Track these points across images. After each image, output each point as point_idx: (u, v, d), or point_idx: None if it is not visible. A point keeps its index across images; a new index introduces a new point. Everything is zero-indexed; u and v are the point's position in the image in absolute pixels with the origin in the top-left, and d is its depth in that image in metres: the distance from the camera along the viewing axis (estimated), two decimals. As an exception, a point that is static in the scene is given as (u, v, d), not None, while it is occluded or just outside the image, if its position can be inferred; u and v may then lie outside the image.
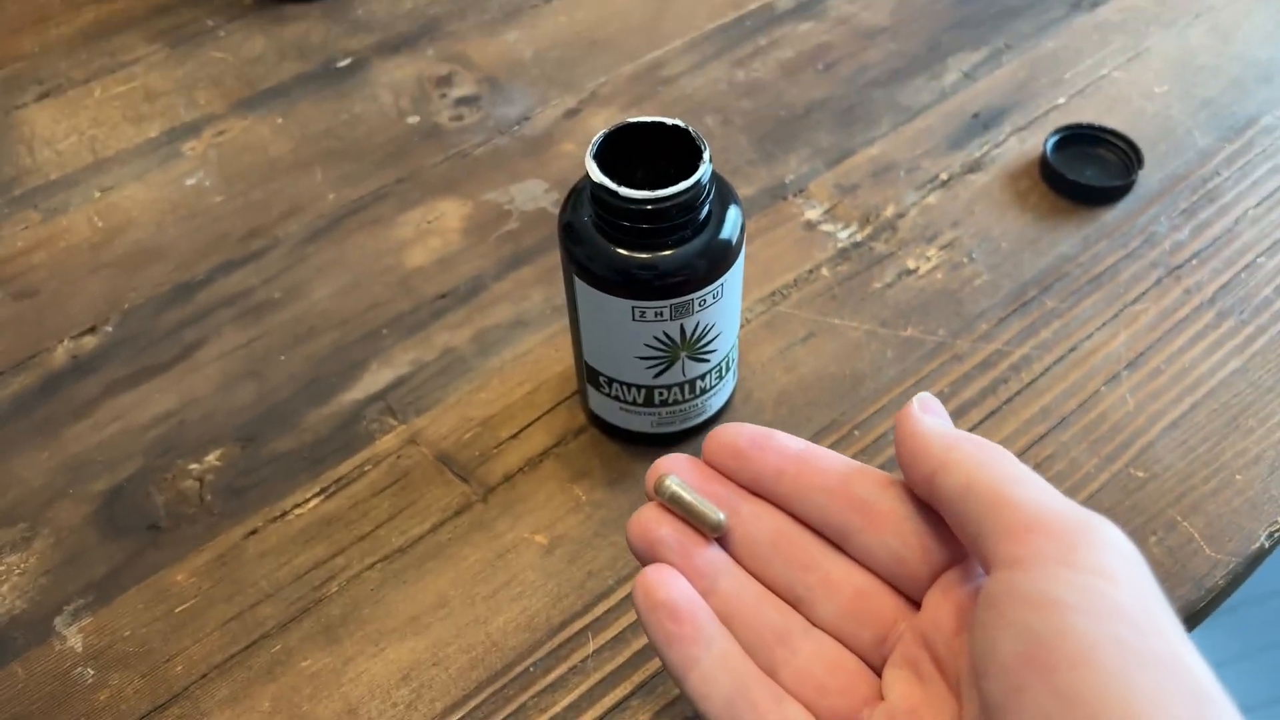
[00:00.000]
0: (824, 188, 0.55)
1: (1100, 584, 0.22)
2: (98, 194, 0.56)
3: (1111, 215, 0.53)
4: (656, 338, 0.40)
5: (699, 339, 0.41)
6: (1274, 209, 0.53)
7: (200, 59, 0.63)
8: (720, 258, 0.39)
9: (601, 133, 0.38)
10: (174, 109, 0.60)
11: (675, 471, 0.31)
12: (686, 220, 0.38)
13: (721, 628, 0.29)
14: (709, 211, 0.39)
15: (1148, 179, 0.54)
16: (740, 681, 0.28)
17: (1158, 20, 0.63)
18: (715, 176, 0.40)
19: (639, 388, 0.42)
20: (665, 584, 0.29)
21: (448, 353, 0.48)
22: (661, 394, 0.42)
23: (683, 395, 0.42)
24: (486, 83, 0.61)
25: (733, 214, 0.40)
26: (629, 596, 0.41)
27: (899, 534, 0.29)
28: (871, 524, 0.29)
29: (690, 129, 0.38)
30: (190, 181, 0.56)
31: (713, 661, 0.28)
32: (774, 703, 0.28)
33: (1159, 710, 0.20)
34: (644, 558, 0.31)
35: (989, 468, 0.26)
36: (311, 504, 0.44)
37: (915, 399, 0.30)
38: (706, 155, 0.38)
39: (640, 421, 0.43)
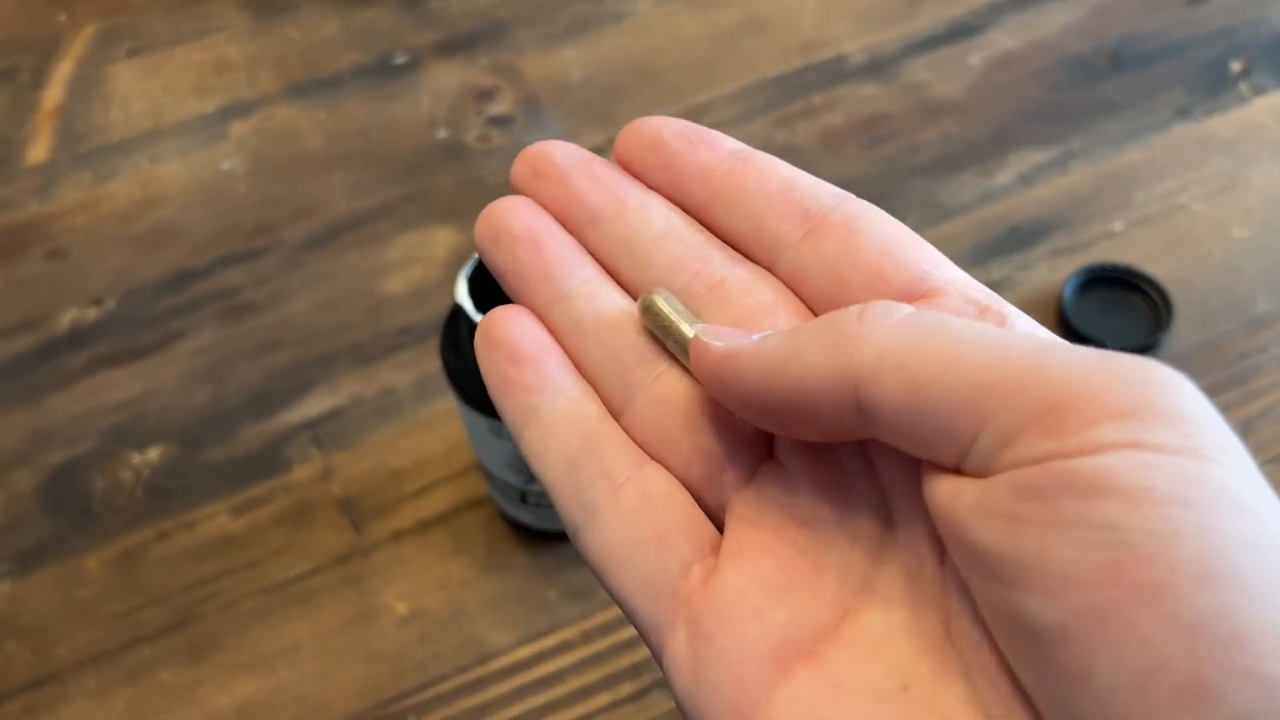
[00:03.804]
0: (816, 284, 0.52)
1: (1200, 467, 0.14)
2: (147, 164, 0.60)
3: (1118, 377, 0.47)
4: (518, 454, 0.40)
5: (566, 460, 0.40)
6: (1312, 409, 0.46)
7: (276, 35, 0.65)
8: (593, 388, 0.38)
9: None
10: (237, 85, 0.63)
11: (569, 166, 0.22)
12: (552, 352, 0.37)
13: (572, 372, 0.22)
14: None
15: (1179, 341, 0.48)
16: (589, 439, 0.21)
17: (1275, 144, 0.55)
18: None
19: (512, 487, 0.42)
20: (507, 319, 0.22)
21: (387, 392, 0.50)
22: (536, 496, 0.42)
23: (558, 503, 0.42)
24: (525, 104, 0.60)
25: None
26: (460, 689, 0.42)
27: (849, 252, 0.20)
28: (814, 236, 0.20)
29: (573, 260, 0.37)
30: (225, 165, 0.59)
31: (554, 411, 0.21)
32: (633, 467, 0.20)
33: None
34: (487, 256, 0.23)
35: (926, 348, 0.16)
36: (219, 520, 0.47)
37: (695, 338, 0.19)
38: (579, 292, 0.36)
39: (522, 514, 0.44)
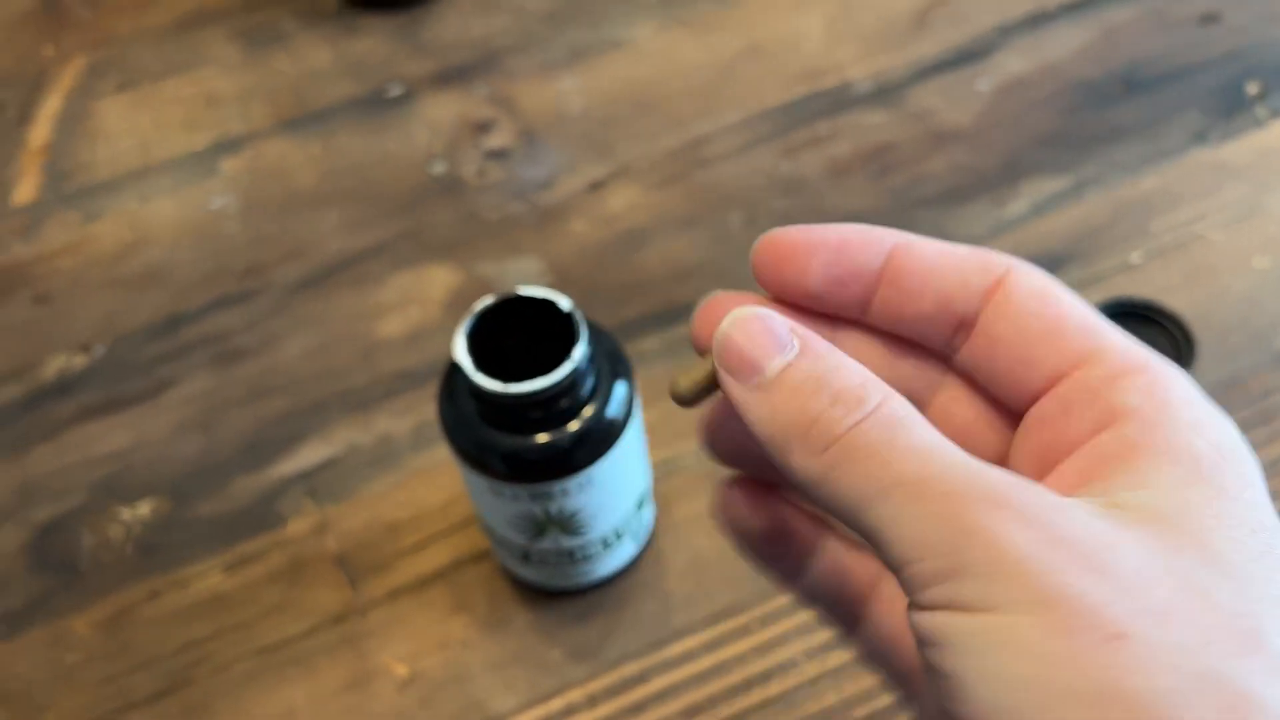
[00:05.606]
0: (825, 321, 0.50)
1: (983, 620, 0.18)
2: (135, 202, 0.58)
3: (1139, 417, 0.46)
4: (519, 514, 0.38)
5: (569, 518, 0.38)
6: (1341, 449, 0.44)
7: (268, 68, 0.64)
8: (596, 444, 0.37)
9: (483, 304, 0.36)
10: (227, 120, 0.61)
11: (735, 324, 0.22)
12: (554, 410, 0.36)
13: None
14: (591, 391, 0.37)
15: (1201, 378, 0.46)
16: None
17: (1294, 170, 0.53)
18: (607, 352, 0.38)
19: (517, 545, 0.40)
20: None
21: (384, 441, 0.48)
22: (540, 555, 0.40)
23: (562, 560, 0.41)
24: (523, 136, 0.59)
25: (620, 392, 0.37)
26: (461, 756, 0.40)
27: (1001, 354, 0.23)
28: (971, 340, 0.23)
29: (574, 313, 0.36)
30: (216, 204, 0.57)
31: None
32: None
33: None
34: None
35: (940, 494, 0.19)
36: (212, 579, 0.45)
37: (721, 337, 0.21)
38: (581, 346, 0.35)
39: (525, 571, 0.42)
